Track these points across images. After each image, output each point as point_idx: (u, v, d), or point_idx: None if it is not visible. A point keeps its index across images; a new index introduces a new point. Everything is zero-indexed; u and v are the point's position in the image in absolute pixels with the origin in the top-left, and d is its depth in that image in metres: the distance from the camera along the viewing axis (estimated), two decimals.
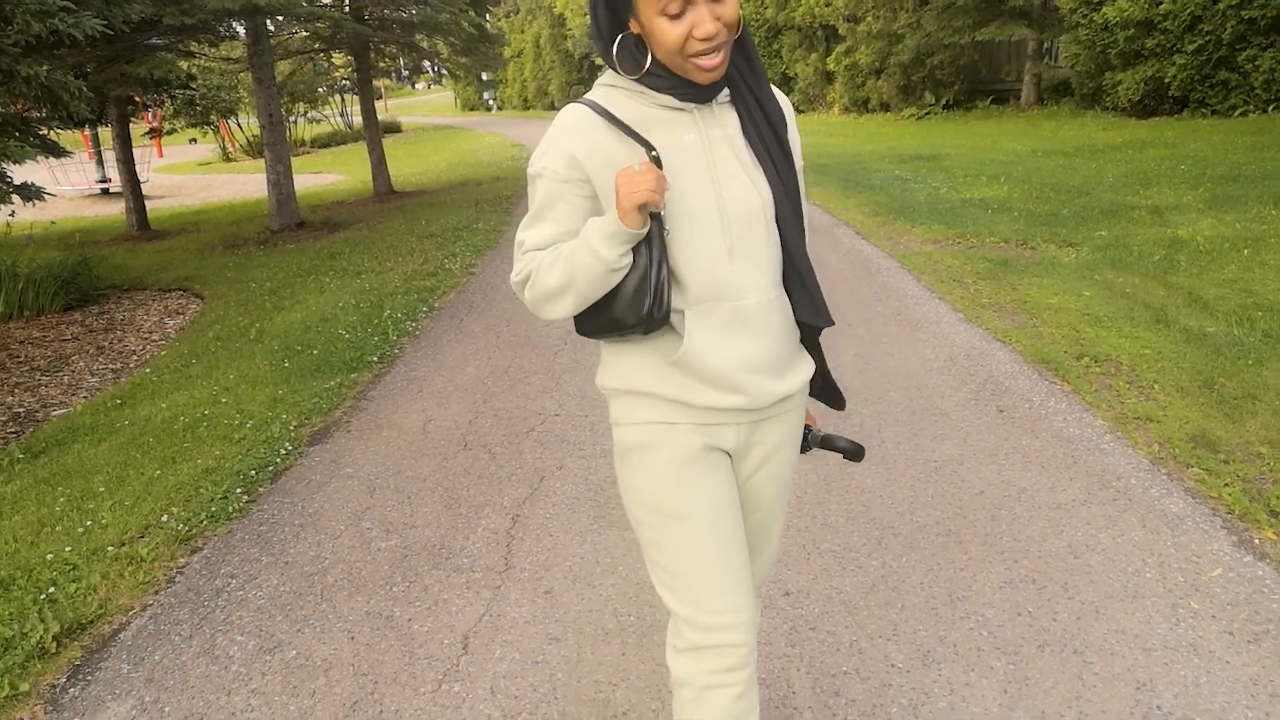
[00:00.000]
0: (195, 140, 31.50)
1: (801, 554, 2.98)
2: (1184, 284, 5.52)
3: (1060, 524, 3.05)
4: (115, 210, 15.43)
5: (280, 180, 11.43)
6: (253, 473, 3.97)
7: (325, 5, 13.70)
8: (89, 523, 3.60)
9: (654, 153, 1.40)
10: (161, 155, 28.91)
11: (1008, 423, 3.87)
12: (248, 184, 19.98)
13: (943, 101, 19.66)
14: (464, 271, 8.09)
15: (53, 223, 13.10)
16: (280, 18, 11.82)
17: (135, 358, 6.50)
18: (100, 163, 19.82)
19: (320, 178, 20.47)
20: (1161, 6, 12.95)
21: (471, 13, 15.04)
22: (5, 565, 3.29)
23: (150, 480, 3.97)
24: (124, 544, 3.41)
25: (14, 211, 7.76)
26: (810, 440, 1.74)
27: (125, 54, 9.80)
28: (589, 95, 1.51)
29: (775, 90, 1.55)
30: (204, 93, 20.18)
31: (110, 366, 6.31)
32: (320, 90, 26.13)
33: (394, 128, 34.60)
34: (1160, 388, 4.06)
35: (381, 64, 17.29)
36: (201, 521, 3.56)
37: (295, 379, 5.25)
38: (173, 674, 2.65)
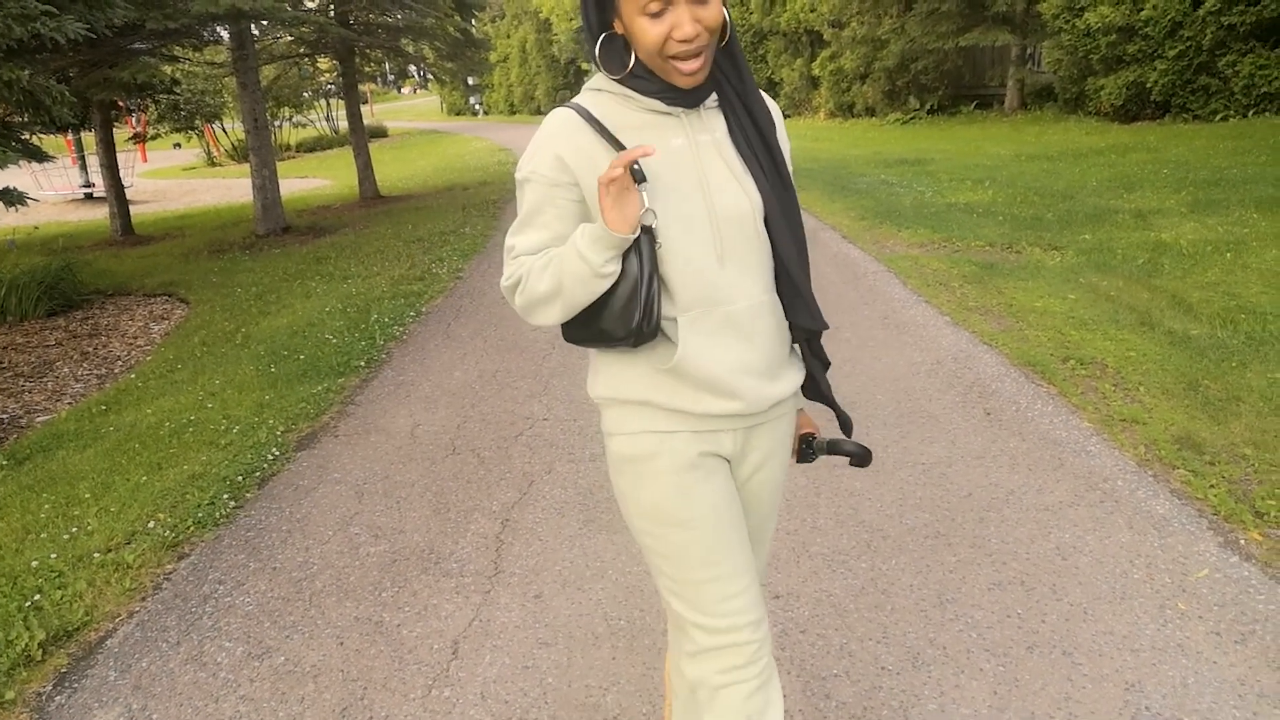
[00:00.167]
0: (179, 145, 31.30)
1: (791, 557, 2.98)
2: (1168, 287, 5.56)
3: (1048, 526, 3.07)
4: (99, 215, 15.32)
5: (265, 185, 11.39)
6: (240, 478, 3.95)
7: (310, 10, 13.67)
8: (74, 529, 3.57)
9: (636, 165, 1.38)
10: (145, 160, 28.72)
11: (995, 425, 3.89)
12: (233, 189, 19.88)
13: (927, 106, 19.79)
14: (451, 276, 8.08)
15: (35, 228, 13.01)
16: (265, 22, 11.79)
17: (120, 363, 6.45)
18: (84, 167, 19.68)
19: (306, 182, 20.39)
20: (1143, 13, 13.08)
21: (457, 17, 15.05)
22: None
23: (136, 486, 3.94)
24: (110, 550, 3.38)
25: None
26: (816, 448, 1.72)
27: (108, 58, 9.73)
28: (575, 99, 1.50)
29: (764, 95, 1.55)
30: (188, 97, 20.05)
31: (95, 372, 6.27)
32: (305, 95, 26.02)
33: (380, 132, 34.55)
34: (1145, 390, 4.09)
35: (367, 68, 17.24)
36: (188, 528, 3.54)
37: (282, 384, 5.22)
38: (160, 681, 2.63)
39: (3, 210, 7.12)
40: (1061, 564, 2.84)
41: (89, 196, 19.11)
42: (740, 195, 1.46)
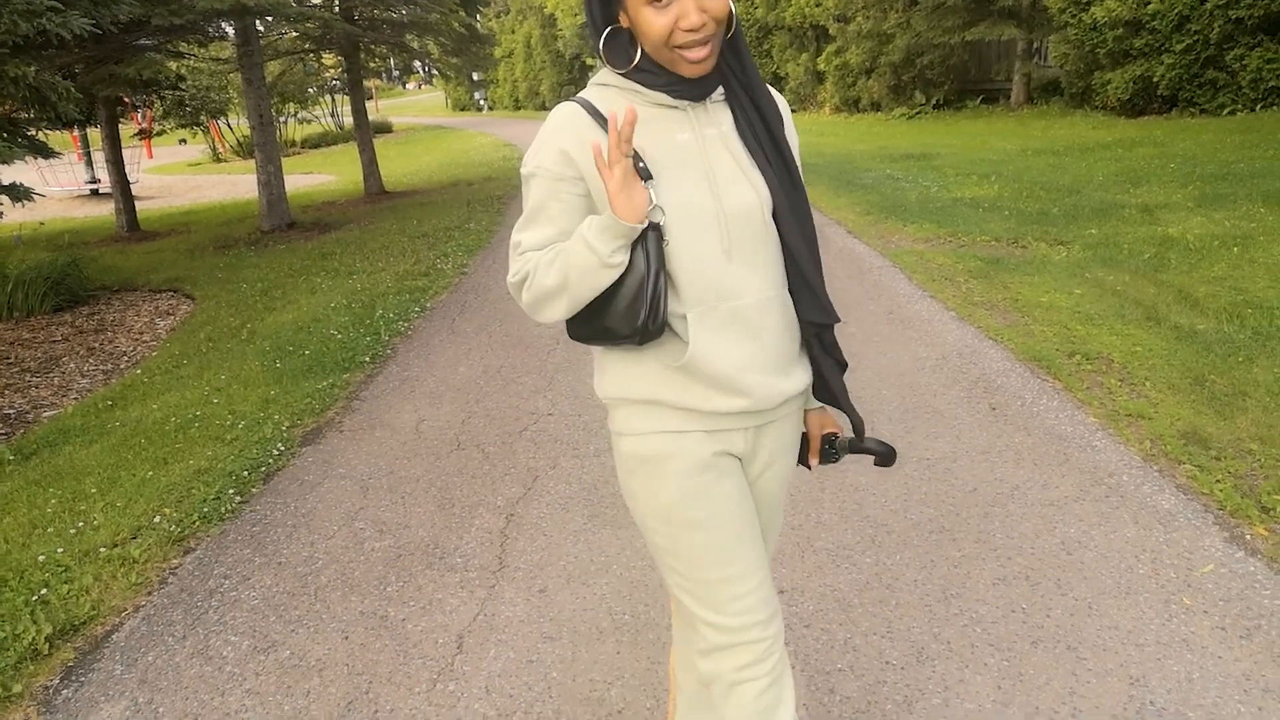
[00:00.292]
0: (185, 141, 31.41)
1: (796, 552, 2.98)
2: (1174, 282, 5.54)
3: (1053, 521, 3.06)
4: (105, 211, 15.35)
5: (271, 181, 11.40)
6: (245, 473, 3.96)
7: (315, 5, 13.66)
8: (81, 524, 3.58)
9: (641, 163, 1.38)
10: (151, 156, 28.81)
11: (1000, 420, 3.89)
12: (238, 184, 19.91)
13: (933, 101, 19.72)
14: (456, 271, 8.08)
15: (41, 224, 13.04)
16: (270, 18, 11.78)
17: (126, 359, 6.47)
18: (89, 163, 19.74)
19: (311, 178, 20.41)
20: (1149, 6, 13.01)
21: (462, 13, 15.03)
22: None
23: (142, 481, 3.95)
24: (116, 545, 3.39)
25: (2, 212, 7.70)
26: (839, 448, 1.68)
27: (114, 54, 9.74)
28: (581, 94, 1.49)
29: (771, 90, 1.53)
30: (193, 93, 20.10)
31: (101, 367, 6.29)
32: (310, 91, 26.05)
33: (385, 128, 34.54)
34: (1151, 385, 4.08)
35: (372, 64, 17.25)
36: (194, 522, 3.55)
37: (287, 379, 5.23)
38: (166, 675, 2.64)
39: (9, 206, 7.15)
40: (1066, 559, 2.83)
41: (95, 192, 19.17)
42: (748, 189, 1.45)
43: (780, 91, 1.62)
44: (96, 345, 6.85)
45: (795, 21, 22.97)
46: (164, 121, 22.24)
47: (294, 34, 13.86)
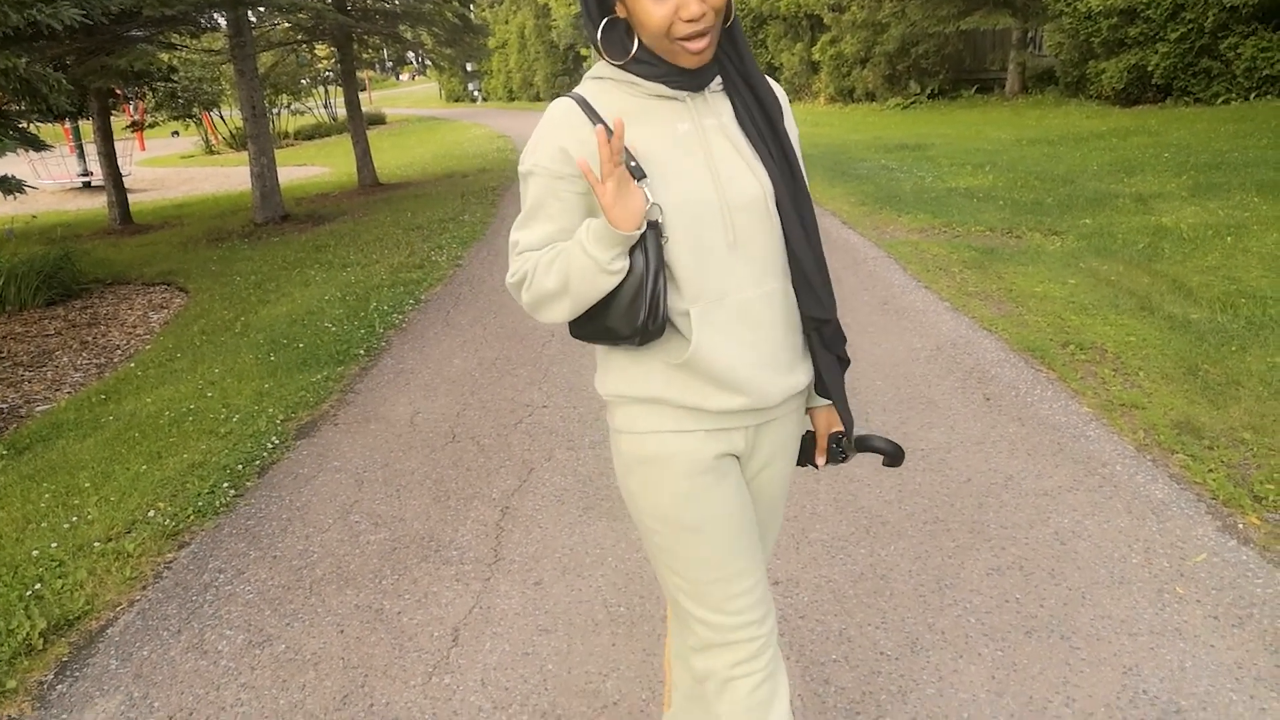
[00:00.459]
0: (178, 133, 31.27)
1: (790, 543, 2.98)
2: (1168, 271, 5.55)
3: (1047, 511, 3.07)
4: (97, 204, 15.29)
5: (264, 173, 11.36)
6: (240, 467, 3.96)
7: None
8: (75, 519, 3.58)
9: (633, 163, 1.36)
10: (144, 148, 28.67)
11: (994, 410, 3.89)
12: (231, 177, 19.84)
13: (928, 91, 19.70)
14: (450, 264, 8.07)
15: (34, 217, 12.97)
16: (262, 9, 11.73)
17: (119, 352, 6.45)
18: (81, 156, 19.63)
19: (304, 170, 20.35)
20: None
21: (455, 3, 14.99)
22: None
23: (136, 475, 3.95)
24: (110, 540, 3.39)
25: None
26: (845, 446, 1.64)
27: (105, 46, 9.68)
28: (577, 89, 1.47)
29: (770, 80, 1.51)
30: (186, 85, 19.99)
31: (94, 361, 6.27)
32: (303, 82, 25.96)
33: (378, 119, 34.41)
34: (1145, 374, 4.08)
35: (365, 55, 17.19)
36: (189, 516, 3.54)
37: (281, 373, 5.22)
38: (161, 669, 2.64)
39: (1, 199, 7.11)
40: (1060, 549, 2.84)
41: (87, 185, 19.07)
42: (750, 179, 1.43)
43: (775, 81, 1.59)
44: (89, 339, 6.82)
45: (790, 11, 22.93)
46: (156, 114, 22.12)
47: (286, 25, 13.79)
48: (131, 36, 10.09)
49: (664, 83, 1.41)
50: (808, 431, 1.68)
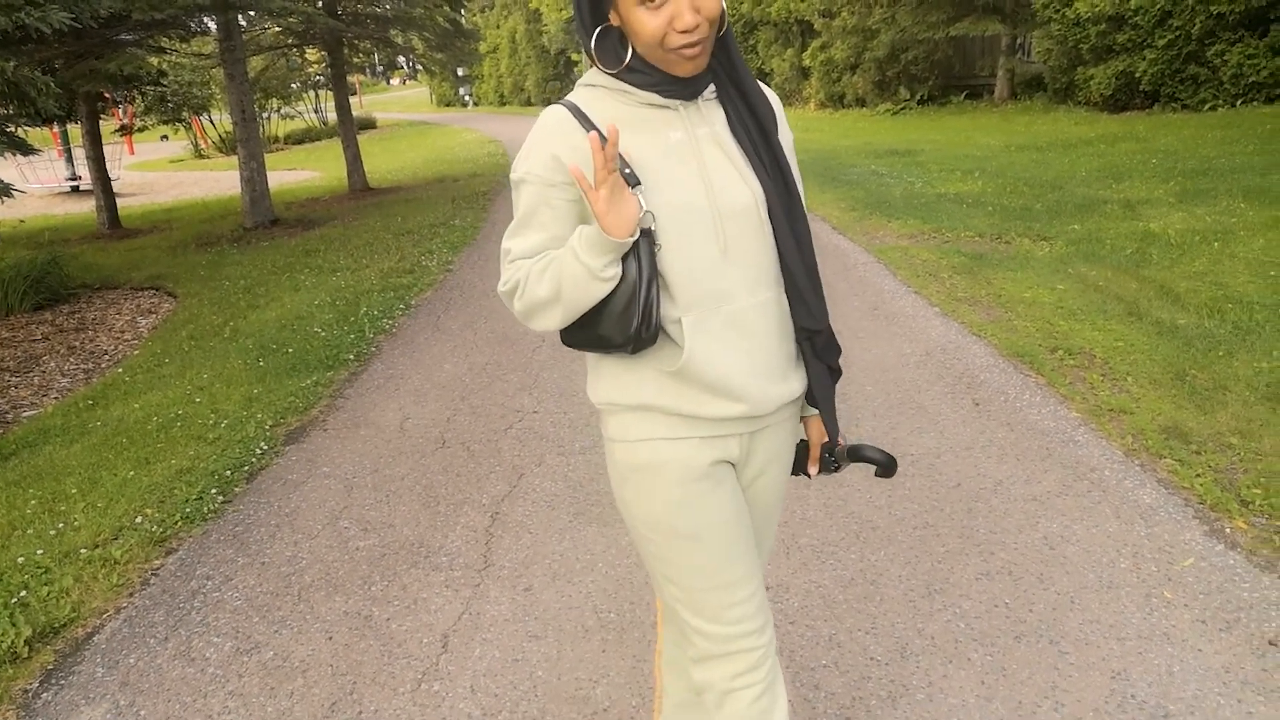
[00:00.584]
0: (167, 137, 31.14)
1: (780, 549, 2.98)
2: (1155, 277, 5.58)
3: (1036, 516, 3.08)
4: (85, 208, 15.23)
5: (254, 177, 11.32)
6: (228, 473, 3.94)
7: (298, 0, 13.58)
8: (61, 525, 3.55)
9: (627, 169, 1.35)
10: (133, 152, 28.57)
11: (984, 416, 3.90)
12: (220, 181, 19.78)
13: (917, 97, 19.79)
14: (441, 268, 8.06)
15: (21, 221, 12.93)
16: (252, 12, 11.71)
17: (107, 357, 6.42)
18: (70, 160, 19.55)
19: (294, 174, 20.30)
20: (1131, 2, 13.09)
21: (446, 7, 14.97)
22: None
23: (124, 481, 3.92)
24: (97, 546, 3.37)
25: None
26: (839, 457, 1.63)
27: (94, 49, 9.66)
28: (569, 97, 1.46)
29: (764, 87, 1.50)
30: (175, 89, 19.94)
31: (82, 367, 6.23)
32: (294, 86, 25.88)
33: (369, 124, 34.37)
34: (1133, 380, 4.10)
35: (355, 59, 17.18)
36: (176, 523, 3.52)
37: (270, 378, 5.20)
38: (148, 677, 2.62)
39: None
40: (1049, 554, 2.85)
41: (75, 189, 18.99)
42: (742, 187, 1.42)
43: (769, 88, 1.58)
44: (77, 344, 6.79)
45: (780, 17, 23.00)
46: (145, 117, 22.05)
47: (277, 29, 13.76)
48: (120, 40, 10.07)
49: (657, 91, 1.41)
50: (801, 440, 1.68)
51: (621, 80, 1.42)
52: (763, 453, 1.57)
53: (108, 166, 12.65)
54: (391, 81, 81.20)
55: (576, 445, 3.96)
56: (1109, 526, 2.97)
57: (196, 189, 19.19)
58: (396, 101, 62.93)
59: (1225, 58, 12.47)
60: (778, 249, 1.46)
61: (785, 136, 1.52)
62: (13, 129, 8.33)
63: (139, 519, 3.55)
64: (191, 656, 2.70)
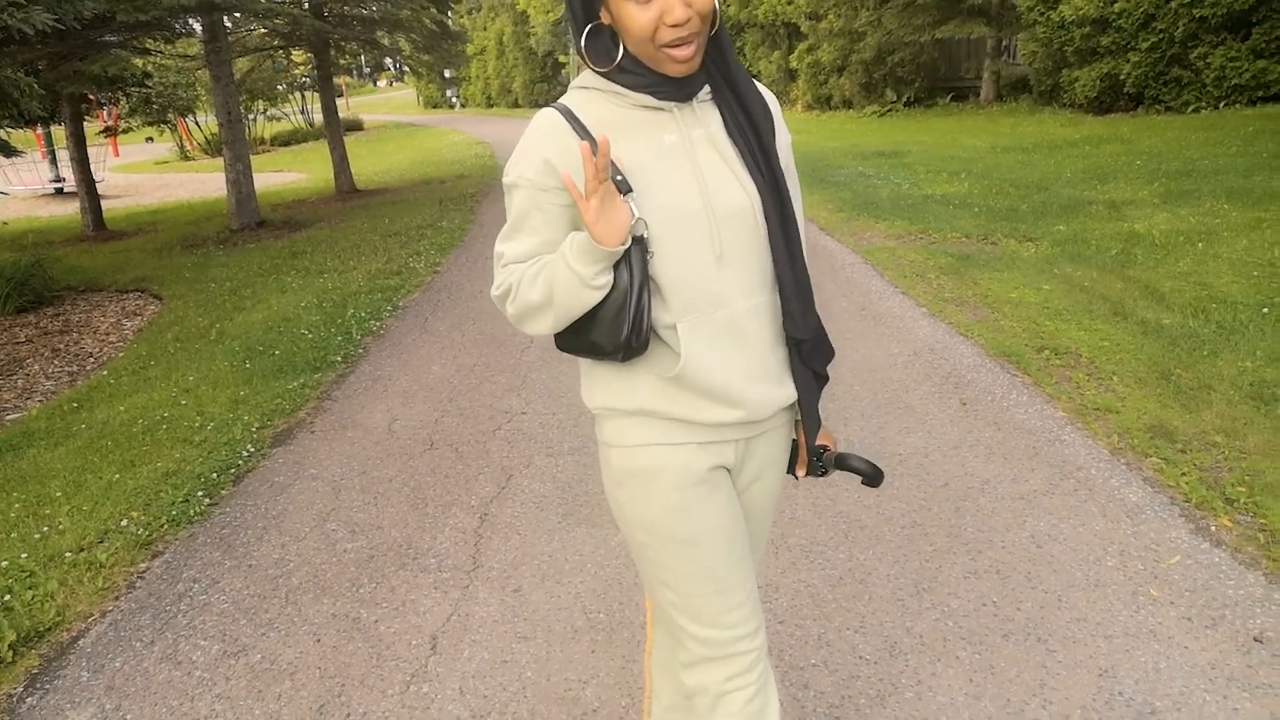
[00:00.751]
0: (152, 139, 31.01)
1: (769, 548, 2.99)
2: (1140, 277, 5.62)
3: (1023, 514, 3.09)
4: (70, 210, 15.13)
5: (239, 179, 11.27)
6: (214, 475, 3.91)
7: (283, 1, 13.52)
8: (46, 528, 3.53)
9: (619, 177, 1.33)
10: (117, 154, 28.41)
11: (971, 415, 3.92)
12: (206, 183, 19.68)
13: (904, 99, 19.87)
14: (429, 270, 8.04)
15: (4, 223, 12.83)
16: (237, 14, 11.66)
17: (92, 360, 6.38)
18: (54, 162, 19.43)
19: (281, 176, 20.21)
20: (1116, 5, 13.18)
21: (433, 9, 14.93)
22: None
23: (109, 484, 3.90)
24: (82, 549, 3.34)
25: None
26: (826, 462, 1.64)
27: (78, 51, 9.58)
28: (562, 99, 1.44)
29: (761, 87, 1.48)
30: (160, 90, 19.83)
31: (66, 369, 6.19)
32: (280, 88, 25.81)
33: (356, 125, 34.26)
34: (1119, 379, 4.13)
35: (342, 61, 17.13)
36: (162, 526, 3.50)
37: (257, 380, 5.18)
38: (134, 681, 2.60)
39: None
40: (1036, 552, 2.86)
41: (59, 191, 18.87)
42: (738, 190, 1.40)
43: (765, 88, 1.54)
44: (61, 346, 6.74)
45: (767, 19, 23.06)
46: (130, 119, 21.93)
47: (262, 30, 13.70)
48: (105, 42, 10.00)
49: (650, 93, 1.39)
50: (794, 440, 1.68)
51: (614, 82, 1.40)
52: (758, 459, 1.56)
53: (92, 168, 12.57)
54: (378, 83, 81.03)
55: (565, 446, 3.95)
56: (1095, 525, 2.99)
57: (182, 191, 19.09)
58: (383, 103, 62.77)
59: (1208, 60, 12.57)
60: (771, 251, 1.44)
61: (782, 138, 1.51)
62: None
63: (124, 522, 3.53)
64: (178, 660, 2.68)
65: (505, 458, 3.90)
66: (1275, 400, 3.73)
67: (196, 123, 27.38)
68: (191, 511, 3.61)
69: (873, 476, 1.61)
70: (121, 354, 6.37)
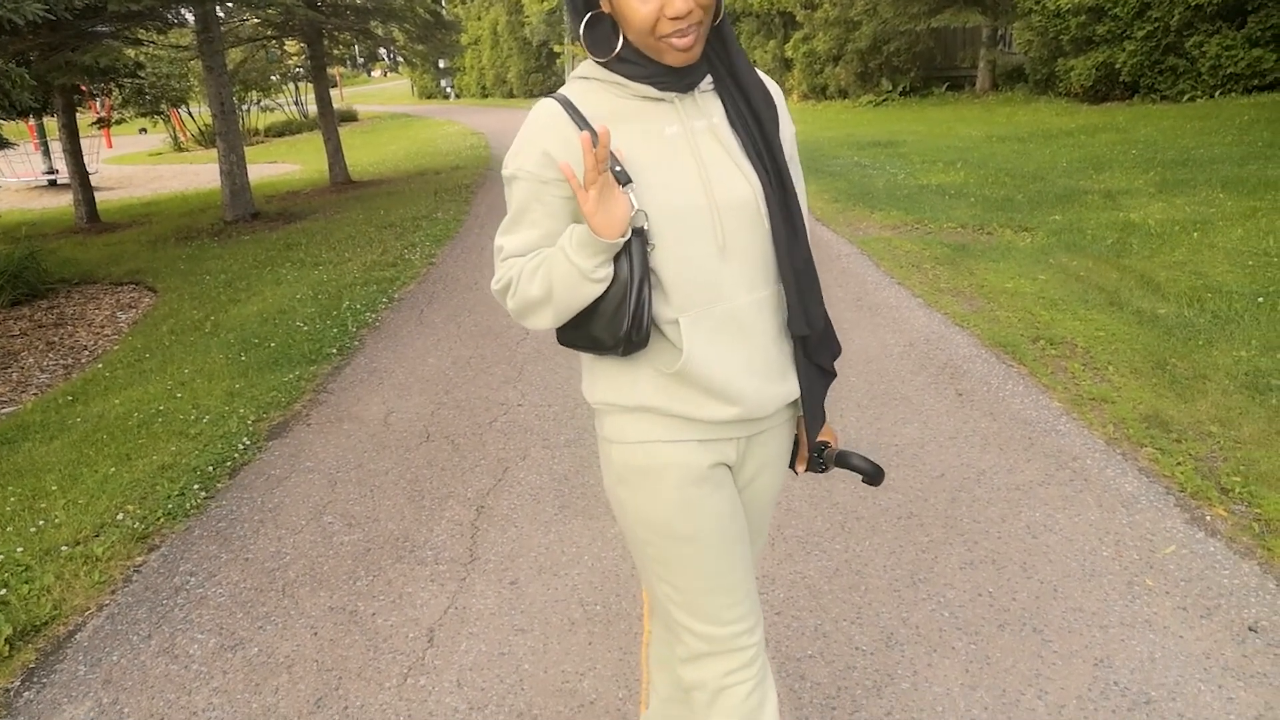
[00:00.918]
0: (145, 130, 30.80)
1: (766, 540, 2.99)
2: (1136, 267, 5.62)
3: (1019, 505, 3.10)
4: (63, 202, 15.06)
5: (234, 170, 11.23)
6: (210, 468, 3.91)
7: None
8: (41, 522, 3.52)
9: (618, 168, 1.31)
10: (110, 145, 28.28)
11: (967, 406, 3.92)
12: (200, 174, 19.60)
13: (899, 88, 19.83)
14: (424, 261, 8.02)
15: None
16: (230, 4, 11.59)
17: (87, 353, 6.36)
18: (46, 153, 19.32)
19: (275, 167, 20.14)
20: None
21: None
22: None
23: (105, 478, 3.89)
24: (79, 543, 3.34)
25: None
26: (826, 459, 1.63)
27: (70, 41, 9.53)
28: (562, 90, 1.42)
29: (765, 77, 1.46)
30: (153, 81, 19.68)
31: (61, 362, 6.17)
32: (273, 78, 25.65)
33: (350, 116, 34.14)
34: (1114, 369, 4.13)
35: (336, 51, 17.01)
36: (158, 519, 3.50)
37: (252, 372, 5.17)
38: (131, 674, 2.60)
39: None
40: (1032, 542, 2.87)
41: (52, 183, 18.77)
42: (741, 181, 1.38)
43: (769, 78, 1.52)
44: (56, 339, 6.72)
45: (763, 8, 22.99)
46: (123, 110, 21.75)
47: (256, 20, 13.62)
48: (97, 32, 9.94)
49: (651, 83, 1.37)
50: (796, 435, 1.67)
51: (614, 72, 1.38)
52: (759, 457, 1.55)
53: (85, 160, 12.51)
54: (372, 74, 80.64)
55: (561, 438, 3.95)
56: (1091, 515, 2.99)
57: (176, 182, 19.01)
58: (377, 94, 62.54)
59: (1203, 49, 12.56)
60: (775, 244, 1.42)
61: (786, 129, 1.49)
62: None
63: (120, 515, 3.53)
64: (175, 653, 2.68)
65: (502, 450, 3.90)
66: (1270, 390, 3.74)
67: (190, 114, 27.21)
68: (187, 505, 3.60)
69: (873, 475, 1.61)
70: (116, 347, 6.35)
